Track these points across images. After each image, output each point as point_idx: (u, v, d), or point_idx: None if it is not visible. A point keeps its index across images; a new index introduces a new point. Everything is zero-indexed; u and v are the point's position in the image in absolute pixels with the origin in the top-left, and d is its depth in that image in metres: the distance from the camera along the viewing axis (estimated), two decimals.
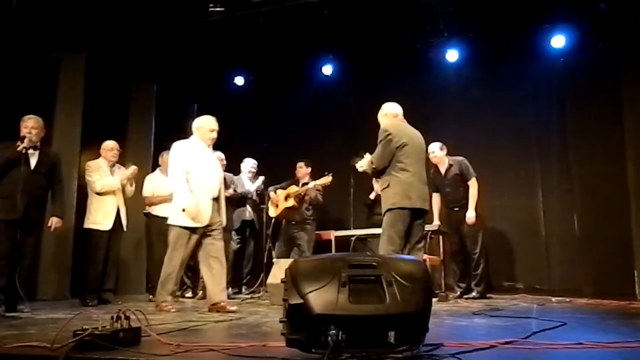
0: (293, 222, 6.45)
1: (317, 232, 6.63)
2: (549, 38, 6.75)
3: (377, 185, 6.34)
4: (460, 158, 5.90)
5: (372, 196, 6.56)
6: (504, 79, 7.08)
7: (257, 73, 8.16)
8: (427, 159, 5.18)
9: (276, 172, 6.95)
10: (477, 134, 6.81)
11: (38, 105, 5.28)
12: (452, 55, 7.26)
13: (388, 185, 4.29)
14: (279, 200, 6.44)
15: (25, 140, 4.50)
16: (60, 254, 6.02)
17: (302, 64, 7.81)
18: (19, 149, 4.44)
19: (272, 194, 6.50)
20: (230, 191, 6.13)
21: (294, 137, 8.05)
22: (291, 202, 6.42)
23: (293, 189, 6.50)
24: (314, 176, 6.51)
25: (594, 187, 6.41)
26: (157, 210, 6.03)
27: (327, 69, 7.87)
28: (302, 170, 6.61)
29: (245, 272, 6.66)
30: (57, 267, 6.02)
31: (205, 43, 7.11)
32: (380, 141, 4.37)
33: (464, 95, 7.21)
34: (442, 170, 5.96)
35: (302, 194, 6.41)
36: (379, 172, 4.40)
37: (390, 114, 4.53)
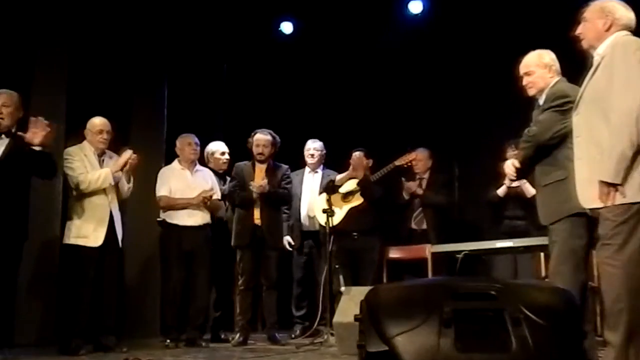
0: (354, 233, 6.54)
1: (403, 246, 6.68)
2: None
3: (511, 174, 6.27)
4: None
5: (500, 192, 6.52)
6: None
7: (311, 16, 8.28)
8: None
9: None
10: None
11: (11, 79, 5.47)
12: None
13: (565, 178, 4.04)
14: (337, 202, 6.45)
15: None
16: (42, 281, 6.19)
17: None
18: None
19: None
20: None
21: (366, 106, 8.27)
22: (358, 200, 6.47)
23: (355, 183, 6.57)
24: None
25: None
26: (176, 217, 6.18)
27: (416, 6, 7.83)
28: (359, 162, 6.66)
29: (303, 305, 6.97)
30: (39, 299, 6.18)
31: None
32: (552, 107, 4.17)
33: None
34: None
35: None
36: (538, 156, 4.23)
37: (555, 68, 4.34)
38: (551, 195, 4.15)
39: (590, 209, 3.74)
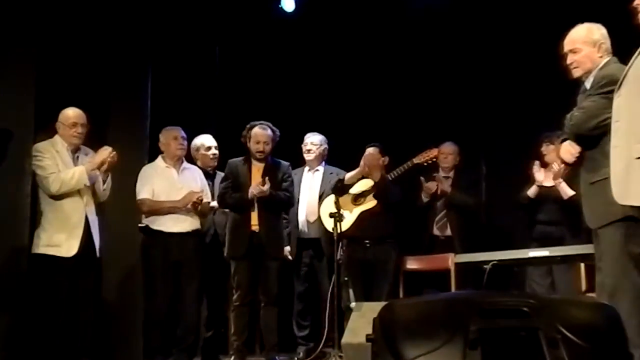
0: (366, 241, 6.56)
1: (423, 256, 6.75)
2: None
3: (541, 173, 6.25)
4: None
5: (531, 192, 6.56)
6: None
7: None
8: None
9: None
10: None
11: None
12: None
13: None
14: (346, 205, 6.49)
15: None
16: (7, 296, 6.06)
17: None
18: None
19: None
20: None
21: (377, 97, 8.32)
22: (370, 203, 6.48)
23: (367, 183, 6.58)
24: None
25: None
26: (161, 223, 6.21)
27: None
28: (374, 159, 6.67)
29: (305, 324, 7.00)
30: (3, 317, 6.04)
31: None
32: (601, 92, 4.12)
33: None
34: None
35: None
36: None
37: (605, 47, 4.32)
38: (600, 195, 4.02)
39: (632, 207, 3.70)
